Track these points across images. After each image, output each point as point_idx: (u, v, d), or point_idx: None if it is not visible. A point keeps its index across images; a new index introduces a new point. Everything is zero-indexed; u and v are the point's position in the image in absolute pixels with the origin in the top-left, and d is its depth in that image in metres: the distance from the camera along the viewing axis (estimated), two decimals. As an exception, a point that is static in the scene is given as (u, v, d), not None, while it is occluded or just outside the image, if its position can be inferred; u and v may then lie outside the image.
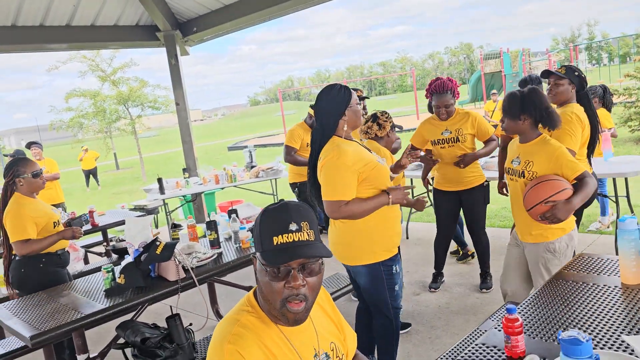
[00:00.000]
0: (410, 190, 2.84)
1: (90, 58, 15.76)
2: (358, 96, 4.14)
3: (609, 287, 2.10)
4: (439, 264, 4.43)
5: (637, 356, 1.54)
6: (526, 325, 1.88)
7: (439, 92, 3.91)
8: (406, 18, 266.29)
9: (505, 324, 1.68)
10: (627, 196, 4.83)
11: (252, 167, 7.43)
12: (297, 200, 1.64)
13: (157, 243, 3.06)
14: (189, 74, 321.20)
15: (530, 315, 1.95)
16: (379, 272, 2.70)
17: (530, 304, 2.05)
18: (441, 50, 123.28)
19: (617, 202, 4.61)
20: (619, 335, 1.70)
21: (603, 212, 5.45)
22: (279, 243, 1.35)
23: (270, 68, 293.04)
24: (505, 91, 24.25)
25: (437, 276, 4.45)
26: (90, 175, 18.05)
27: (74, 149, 19.73)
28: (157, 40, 7.39)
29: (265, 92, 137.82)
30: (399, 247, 2.91)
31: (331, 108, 2.63)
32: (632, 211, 4.96)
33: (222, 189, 7.25)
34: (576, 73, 3.38)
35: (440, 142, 3.98)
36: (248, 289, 4.10)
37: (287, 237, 1.35)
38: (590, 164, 3.50)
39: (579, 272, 2.30)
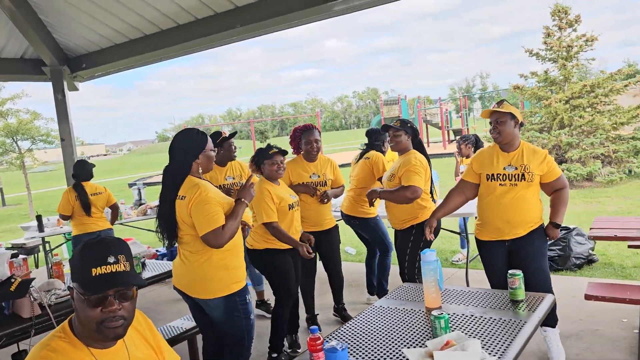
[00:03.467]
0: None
1: (-25, 88, 14.88)
2: (223, 137, 4.40)
3: (414, 310, 2.45)
4: (311, 307, 4.42)
5: (409, 365, 1.85)
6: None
7: (308, 129, 4.27)
8: (317, 62, 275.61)
9: (309, 343, 1.94)
10: (477, 233, 5.42)
11: (141, 204, 7.39)
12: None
13: (12, 280, 3.06)
14: (94, 107, 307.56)
15: (345, 336, 2.23)
16: (236, 302, 2.86)
17: (348, 327, 2.34)
18: (350, 94, 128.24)
19: (467, 239, 5.17)
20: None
21: (463, 245, 6.06)
22: (97, 274, 1.53)
23: (182, 104, 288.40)
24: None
25: (314, 318, 4.42)
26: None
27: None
28: (43, 74, 7.25)
29: (175, 128, 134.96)
30: None
31: (186, 151, 2.82)
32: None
33: (107, 226, 7.11)
34: (409, 125, 3.89)
35: (310, 184, 4.25)
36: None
37: (106, 269, 1.55)
38: (435, 202, 3.96)
39: (395, 300, 2.64)
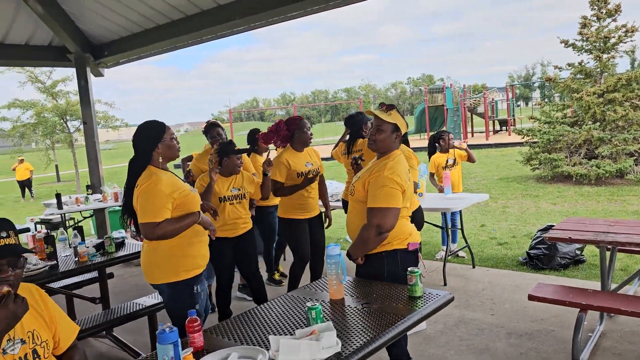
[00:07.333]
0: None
1: (28, 70, 15.83)
2: (213, 124, 4.70)
3: (319, 301, 2.58)
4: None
5: (267, 349, 2.00)
6: (231, 330, 2.33)
7: (302, 120, 4.38)
8: (373, 47, 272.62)
9: (187, 324, 2.12)
10: (462, 227, 5.43)
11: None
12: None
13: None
14: (157, 88, 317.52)
15: (237, 322, 2.41)
16: (180, 291, 2.99)
17: (246, 314, 2.51)
18: (404, 80, 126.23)
19: (447, 232, 5.19)
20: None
21: (443, 242, 6.01)
22: None
23: (238, 87, 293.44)
24: (446, 124, 25.39)
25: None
26: (25, 187, 17.98)
27: (13, 158, 19.57)
28: (68, 61, 7.73)
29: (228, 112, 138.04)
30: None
31: (145, 142, 2.97)
32: (466, 241, 5.55)
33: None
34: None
35: (305, 173, 4.31)
36: (89, 298, 4.45)
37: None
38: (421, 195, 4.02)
39: (306, 290, 2.78)
